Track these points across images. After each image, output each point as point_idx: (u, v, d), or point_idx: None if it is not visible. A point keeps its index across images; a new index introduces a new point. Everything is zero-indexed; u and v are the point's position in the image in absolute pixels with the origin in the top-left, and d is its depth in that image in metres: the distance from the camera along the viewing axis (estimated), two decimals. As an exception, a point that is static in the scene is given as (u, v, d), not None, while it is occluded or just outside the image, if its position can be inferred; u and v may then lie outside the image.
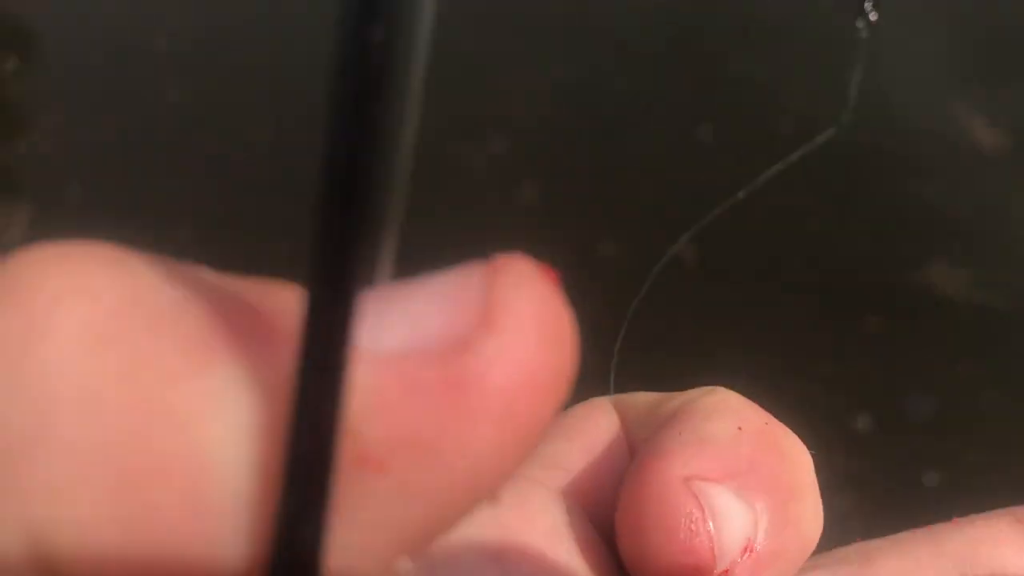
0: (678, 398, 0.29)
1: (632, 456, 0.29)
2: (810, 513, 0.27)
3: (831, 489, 0.82)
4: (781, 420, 0.28)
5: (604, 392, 0.34)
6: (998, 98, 1.30)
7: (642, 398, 0.31)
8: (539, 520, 0.28)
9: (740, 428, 0.27)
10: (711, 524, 0.25)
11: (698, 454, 0.26)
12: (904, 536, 0.31)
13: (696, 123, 1.25)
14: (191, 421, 0.15)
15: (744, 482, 0.26)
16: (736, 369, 1.10)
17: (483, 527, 0.26)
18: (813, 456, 0.28)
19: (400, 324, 0.17)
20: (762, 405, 0.29)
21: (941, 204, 1.21)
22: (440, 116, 1.27)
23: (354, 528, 0.16)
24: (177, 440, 0.15)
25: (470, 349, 0.15)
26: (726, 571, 0.25)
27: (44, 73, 1.37)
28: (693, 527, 0.24)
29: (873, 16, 0.35)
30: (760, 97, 1.30)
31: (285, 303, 0.17)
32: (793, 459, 0.27)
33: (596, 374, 0.30)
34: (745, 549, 0.25)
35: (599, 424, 0.31)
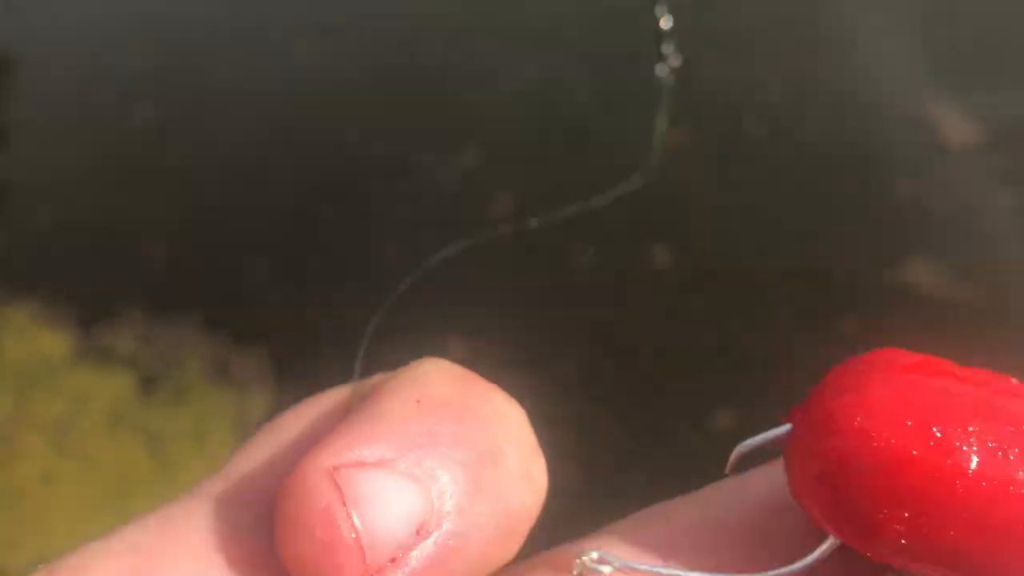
0: (388, 375, 0.27)
1: None
2: (513, 477, 0.25)
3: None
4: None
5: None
6: (971, 96, 1.30)
7: (370, 380, 0.28)
8: (186, 540, 0.25)
9: (418, 401, 0.25)
10: (355, 516, 0.23)
11: (357, 438, 0.24)
12: (704, 490, 0.28)
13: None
14: None
15: (417, 459, 0.24)
16: (711, 368, 1.12)
17: (120, 555, 0.24)
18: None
19: None
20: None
21: (917, 201, 1.21)
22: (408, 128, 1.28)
23: None
24: None
25: None
26: (394, 560, 0.23)
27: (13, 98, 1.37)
28: (334, 529, 0.23)
29: (675, 62, 0.34)
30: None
31: None
32: (487, 424, 0.25)
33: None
34: (418, 532, 0.23)
35: (315, 418, 0.27)
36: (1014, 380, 0.26)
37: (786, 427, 0.25)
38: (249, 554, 0.25)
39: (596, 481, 0.97)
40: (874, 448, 0.24)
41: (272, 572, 0.24)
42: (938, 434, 0.23)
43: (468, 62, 1.37)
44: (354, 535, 0.22)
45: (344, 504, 0.23)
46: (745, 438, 0.26)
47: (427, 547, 0.23)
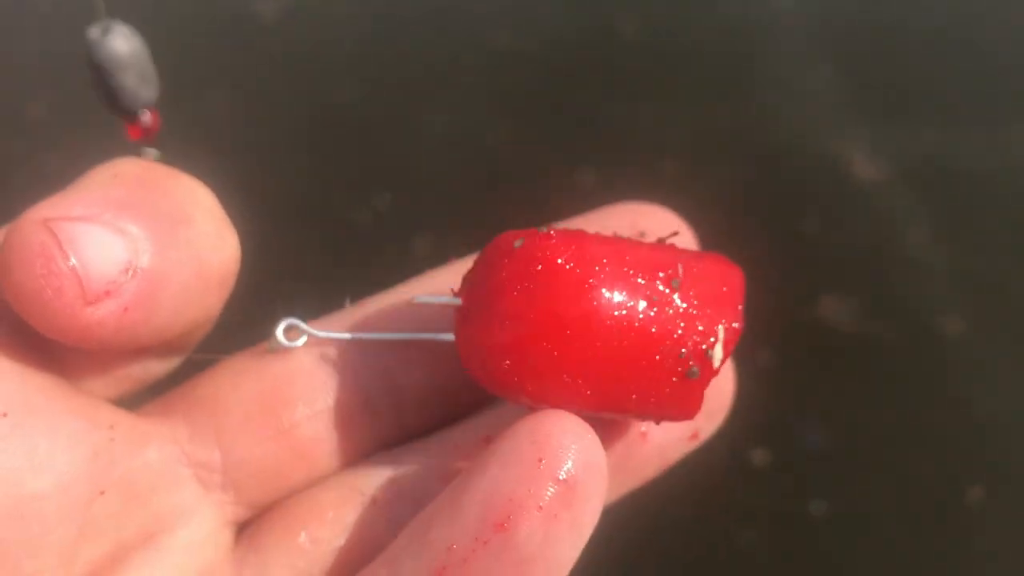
0: None
1: None
2: (205, 236, 0.30)
3: (735, 522, 0.82)
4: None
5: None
6: (878, 132, 1.34)
7: None
8: None
9: (115, 175, 0.30)
10: (72, 256, 0.27)
11: (64, 201, 0.28)
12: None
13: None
14: None
15: (117, 216, 0.28)
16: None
17: None
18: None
19: None
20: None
21: (827, 238, 1.23)
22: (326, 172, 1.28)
23: None
24: None
25: None
26: (108, 292, 0.27)
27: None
28: (50, 259, 0.27)
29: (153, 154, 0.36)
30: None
31: None
32: (175, 194, 0.30)
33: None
34: (127, 271, 0.28)
35: None
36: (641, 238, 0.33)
37: (457, 300, 0.32)
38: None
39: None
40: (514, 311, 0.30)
41: (6, 336, 0.30)
42: (571, 293, 0.30)
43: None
44: (72, 263, 0.27)
45: (60, 245, 0.27)
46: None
47: (135, 283, 0.28)
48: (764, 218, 1.26)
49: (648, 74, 1.42)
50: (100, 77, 0.33)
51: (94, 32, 0.33)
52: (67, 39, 1.41)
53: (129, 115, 0.35)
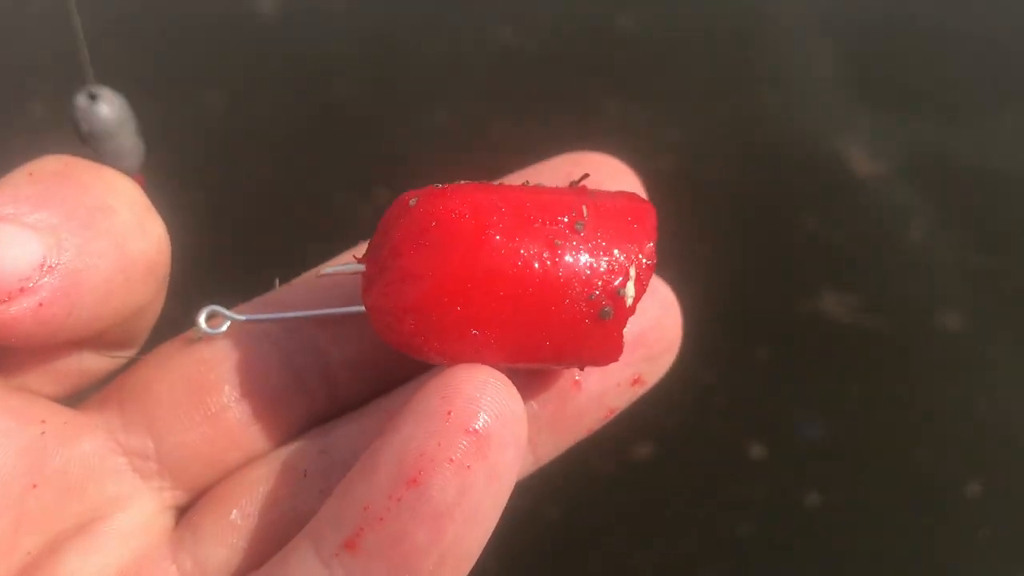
0: None
1: None
2: (126, 227, 0.30)
3: (728, 513, 0.82)
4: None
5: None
6: (877, 129, 1.34)
7: None
8: None
9: (31, 174, 0.30)
10: None
11: None
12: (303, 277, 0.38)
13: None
14: None
15: (31, 213, 0.29)
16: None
17: None
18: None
19: None
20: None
21: (826, 233, 1.24)
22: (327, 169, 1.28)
23: None
24: None
25: None
26: (23, 289, 0.28)
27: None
28: None
29: None
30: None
31: None
32: (93, 187, 0.30)
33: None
34: (42, 268, 0.28)
35: None
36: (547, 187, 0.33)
37: (360, 267, 0.32)
38: None
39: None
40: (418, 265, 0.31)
41: None
42: (471, 247, 0.30)
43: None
44: None
45: None
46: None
47: (53, 279, 0.28)
48: (764, 214, 1.26)
49: (647, 71, 1.43)
50: (90, 142, 0.34)
51: (82, 99, 0.34)
52: (67, 40, 1.42)
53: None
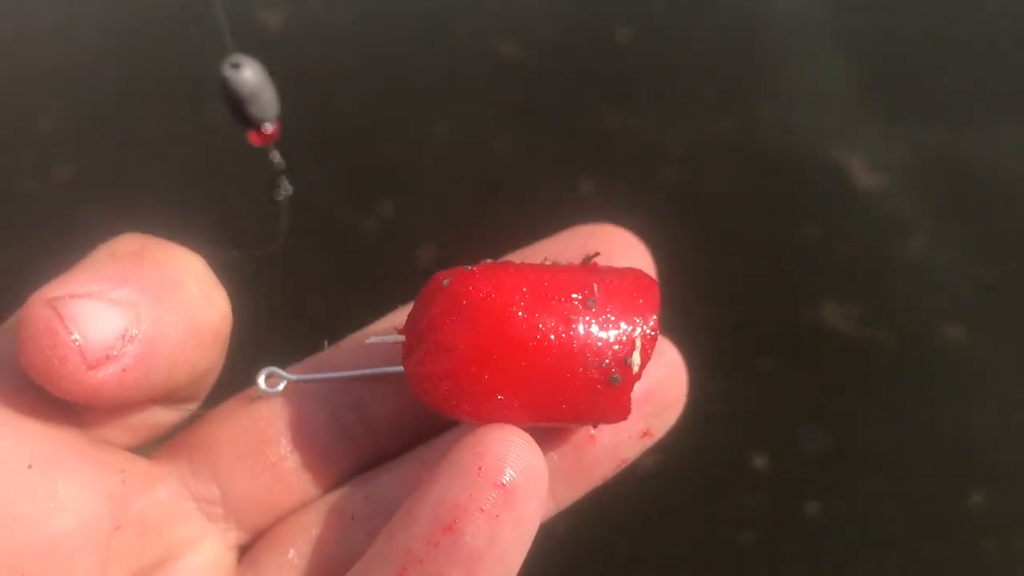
0: None
1: None
2: (195, 299, 0.35)
3: (730, 523, 0.83)
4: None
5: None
6: (878, 140, 1.35)
7: None
8: None
9: (112, 254, 0.35)
10: (75, 331, 0.32)
11: (66, 281, 0.33)
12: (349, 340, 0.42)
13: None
14: None
15: (113, 290, 0.33)
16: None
17: None
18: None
19: None
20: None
21: (828, 245, 1.25)
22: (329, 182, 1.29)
23: None
24: None
25: None
26: (108, 356, 0.33)
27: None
28: (54, 335, 0.32)
29: (288, 191, 0.42)
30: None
31: None
32: (166, 264, 0.35)
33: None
34: (124, 338, 0.33)
35: None
36: (563, 263, 0.38)
37: (400, 337, 0.37)
38: (10, 387, 0.35)
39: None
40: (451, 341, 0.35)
41: (27, 400, 0.35)
42: (498, 324, 0.34)
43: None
44: (73, 336, 0.31)
45: (62, 320, 0.31)
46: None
47: (134, 347, 0.33)
48: (766, 225, 1.28)
49: (648, 84, 1.44)
50: (234, 103, 0.38)
51: (227, 67, 0.38)
52: (76, 53, 1.43)
53: (256, 128, 0.40)
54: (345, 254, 1.22)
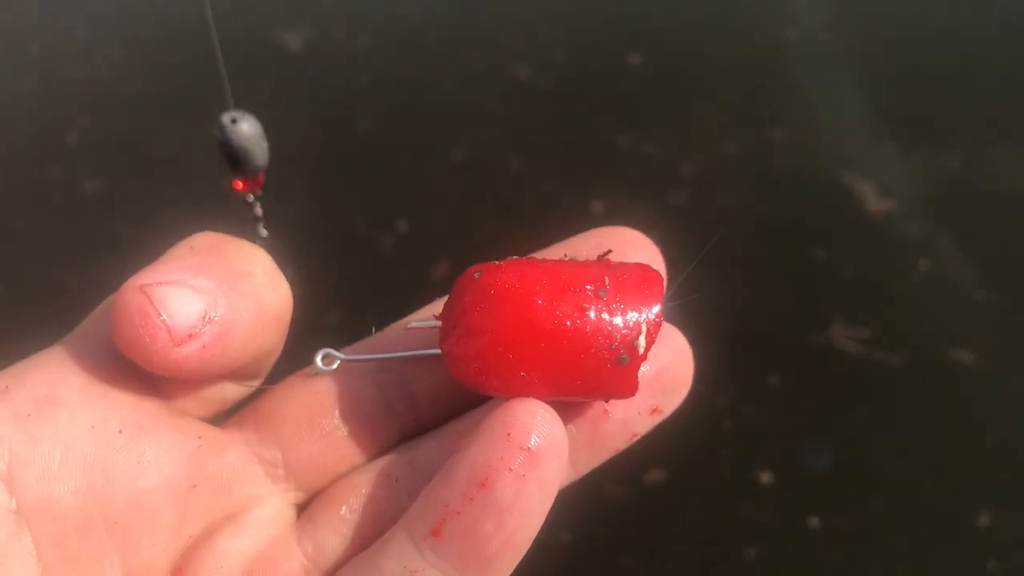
0: None
1: None
2: (262, 286, 0.41)
3: (737, 537, 0.84)
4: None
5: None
6: (888, 163, 1.36)
7: None
8: (66, 366, 0.41)
9: (192, 248, 0.41)
10: (163, 312, 0.38)
11: (154, 270, 0.39)
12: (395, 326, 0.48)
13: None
14: None
15: (194, 278, 0.39)
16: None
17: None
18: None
19: None
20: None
21: (837, 266, 1.26)
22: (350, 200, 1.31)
23: None
24: None
25: None
26: (191, 336, 0.38)
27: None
28: (146, 316, 0.38)
29: (264, 233, 0.47)
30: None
31: None
32: (237, 256, 0.41)
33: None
34: (204, 319, 0.39)
35: None
36: (581, 260, 0.43)
37: (438, 322, 0.43)
38: (103, 362, 0.41)
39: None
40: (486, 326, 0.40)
41: (117, 374, 0.41)
42: (523, 311, 0.40)
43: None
44: (162, 317, 0.38)
45: (152, 303, 0.38)
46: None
47: (213, 327, 0.39)
48: (776, 246, 1.30)
49: (660, 107, 1.46)
50: (230, 153, 0.43)
51: (226, 119, 0.43)
52: (104, 68, 1.46)
53: (244, 177, 0.45)
54: (362, 270, 1.24)
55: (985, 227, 1.30)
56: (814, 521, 1.05)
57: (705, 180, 1.36)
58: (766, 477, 1.09)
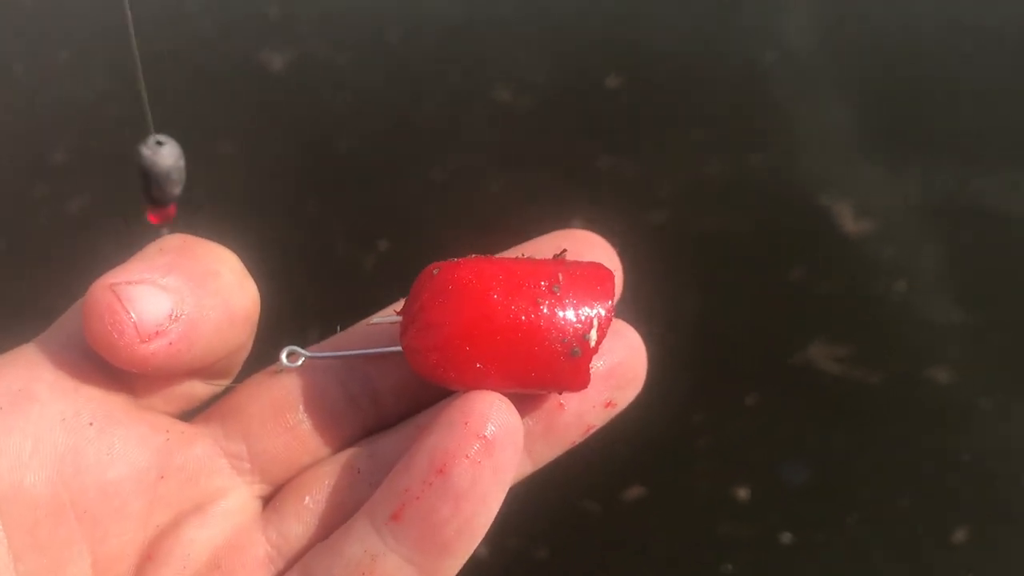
0: None
1: None
2: (229, 286, 0.42)
3: (714, 557, 0.84)
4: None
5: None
6: (866, 185, 1.39)
7: None
8: (36, 361, 0.42)
9: (161, 249, 0.42)
10: (131, 310, 0.39)
11: (123, 270, 0.40)
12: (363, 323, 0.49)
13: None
14: None
15: (162, 277, 0.40)
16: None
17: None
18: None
19: None
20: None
21: (816, 286, 1.28)
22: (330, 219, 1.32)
23: None
24: None
25: None
26: (158, 332, 0.40)
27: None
28: (115, 313, 0.39)
29: None
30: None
31: None
32: (204, 256, 0.42)
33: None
34: (171, 317, 0.40)
35: None
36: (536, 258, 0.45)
37: (398, 318, 0.45)
38: (74, 359, 0.42)
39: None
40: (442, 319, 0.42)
41: (89, 370, 0.43)
42: (479, 306, 0.41)
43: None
44: (129, 316, 0.39)
45: (120, 301, 0.39)
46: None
47: (179, 325, 0.40)
48: (754, 266, 1.32)
49: (637, 129, 1.49)
50: (147, 181, 0.44)
51: (147, 147, 0.44)
52: (88, 90, 1.47)
53: (158, 207, 0.46)
54: (342, 288, 1.25)
55: (961, 248, 1.32)
56: (790, 537, 1.06)
57: (684, 200, 1.38)
58: (743, 493, 1.10)
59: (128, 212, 1.34)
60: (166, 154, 0.45)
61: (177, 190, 0.47)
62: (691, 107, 1.52)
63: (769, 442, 1.14)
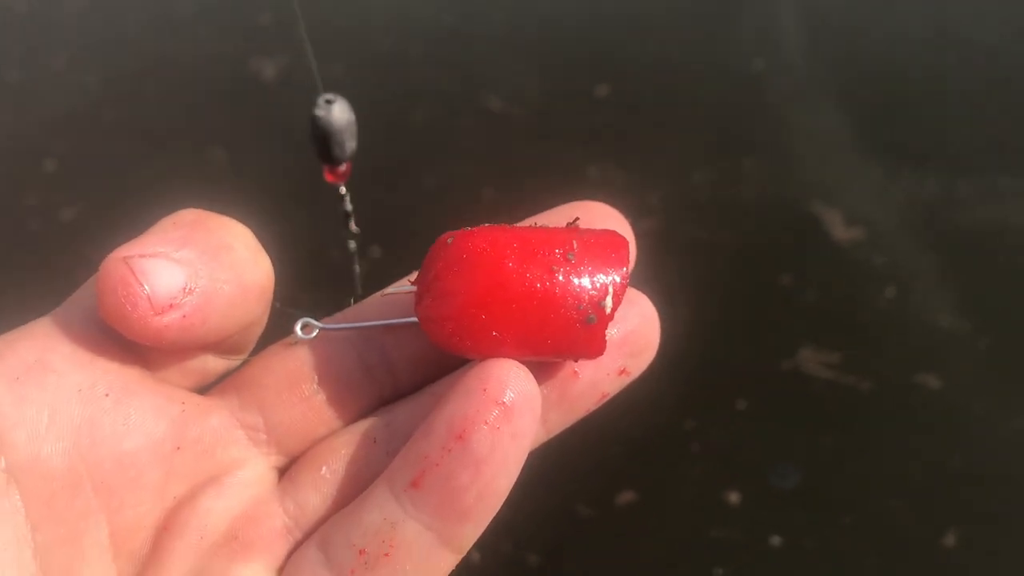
0: None
1: None
2: (243, 260, 0.42)
3: (705, 560, 0.85)
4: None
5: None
6: (856, 192, 1.39)
7: None
8: (56, 336, 0.42)
9: (174, 223, 0.42)
10: (145, 283, 0.39)
11: (137, 243, 0.40)
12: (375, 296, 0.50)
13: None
14: None
15: (176, 251, 0.40)
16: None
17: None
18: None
19: None
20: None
21: (806, 293, 1.29)
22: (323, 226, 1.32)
23: None
24: None
25: None
26: (171, 305, 0.40)
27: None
28: (128, 286, 0.39)
29: (356, 230, 0.49)
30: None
31: None
32: (218, 230, 0.43)
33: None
34: (184, 290, 0.40)
35: None
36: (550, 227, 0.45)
37: (413, 288, 0.45)
38: (90, 331, 0.42)
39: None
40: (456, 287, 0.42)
41: (104, 343, 0.42)
42: (494, 274, 0.42)
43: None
44: (143, 289, 0.39)
45: (134, 274, 0.39)
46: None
47: (193, 298, 0.40)
48: (744, 272, 1.32)
49: (627, 137, 1.50)
50: (322, 138, 0.44)
51: (319, 108, 0.44)
52: (82, 97, 1.47)
53: (335, 166, 0.46)
54: (336, 295, 1.25)
55: (950, 255, 1.32)
56: (781, 540, 1.06)
57: (674, 208, 1.39)
58: (734, 497, 1.10)
59: (120, 223, 1.35)
60: (339, 111, 0.45)
61: (353, 144, 0.47)
62: (680, 115, 1.53)
63: (760, 447, 1.14)
